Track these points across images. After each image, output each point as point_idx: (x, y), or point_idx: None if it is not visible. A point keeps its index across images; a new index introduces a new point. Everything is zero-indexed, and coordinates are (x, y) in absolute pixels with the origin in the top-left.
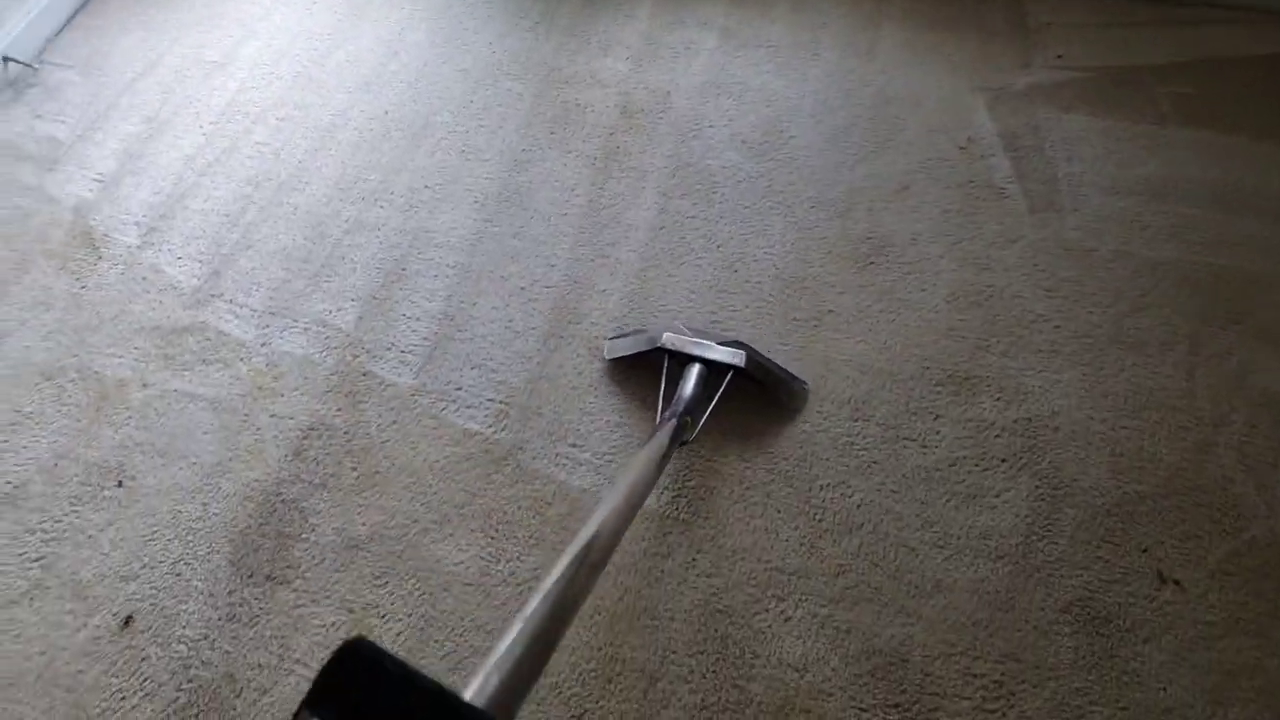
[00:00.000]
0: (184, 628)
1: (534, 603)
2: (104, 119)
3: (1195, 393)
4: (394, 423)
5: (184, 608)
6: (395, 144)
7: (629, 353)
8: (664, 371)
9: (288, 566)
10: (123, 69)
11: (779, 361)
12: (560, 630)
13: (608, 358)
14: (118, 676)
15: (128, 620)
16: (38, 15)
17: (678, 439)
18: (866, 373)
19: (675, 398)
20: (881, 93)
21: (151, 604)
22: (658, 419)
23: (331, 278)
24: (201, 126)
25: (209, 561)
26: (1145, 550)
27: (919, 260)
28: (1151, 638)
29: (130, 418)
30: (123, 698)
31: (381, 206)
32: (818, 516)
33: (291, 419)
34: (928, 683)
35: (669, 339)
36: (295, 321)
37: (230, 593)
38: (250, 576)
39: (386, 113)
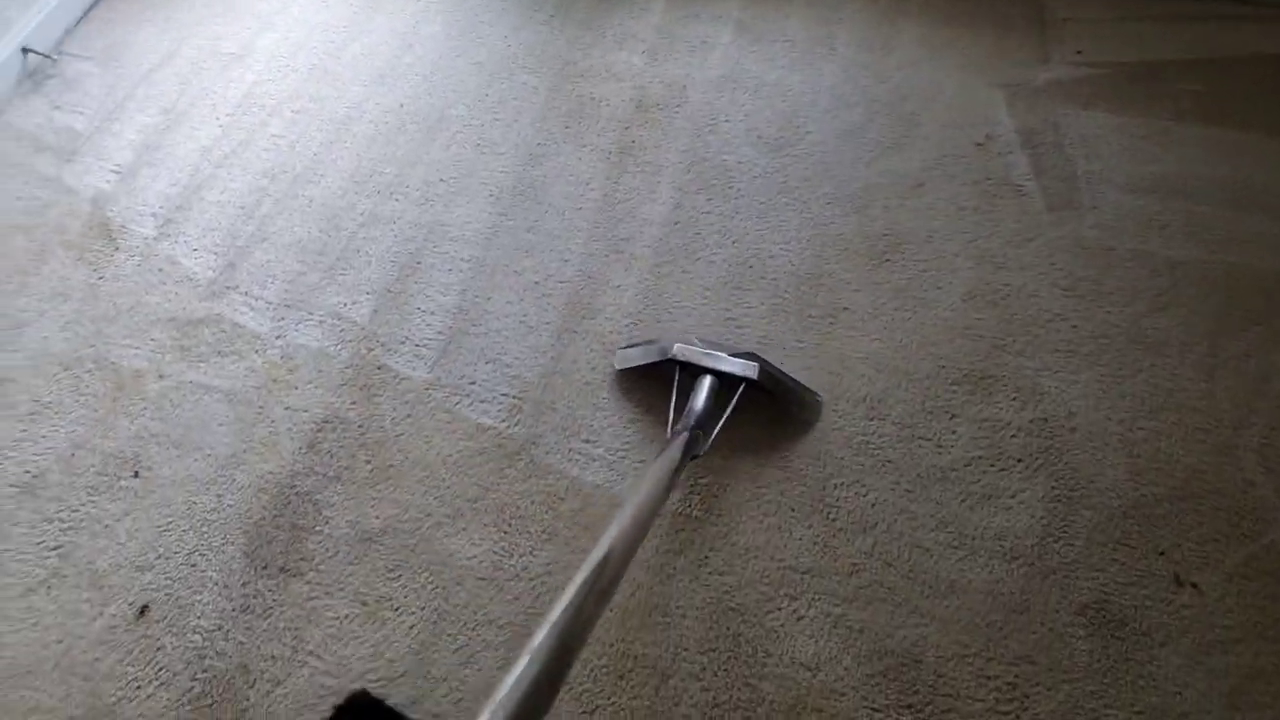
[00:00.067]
0: (198, 618)
1: (540, 635)
2: (121, 110)
3: (1215, 394)
4: (408, 416)
5: (198, 598)
6: (410, 137)
7: (639, 364)
8: (675, 383)
9: (301, 559)
10: (140, 60)
11: (795, 360)
12: (568, 665)
13: (618, 368)
14: (133, 665)
15: (143, 610)
16: (56, 7)
17: (689, 453)
18: (882, 371)
19: (686, 410)
20: (898, 89)
21: (167, 594)
22: (668, 432)
23: (346, 271)
24: (218, 118)
25: (223, 553)
26: (1162, 553)
27: (935, 258)
28: (1168, 641)
29: (146, 408)
30: (138, 686)
31: (396, 200)
32: (831, 515)
33: (306, 412)
34: (941, 684)
35: (680, 350)
36: (310, 314)
37: (244, 584)
38: (264, 568)
39: (402, 106)
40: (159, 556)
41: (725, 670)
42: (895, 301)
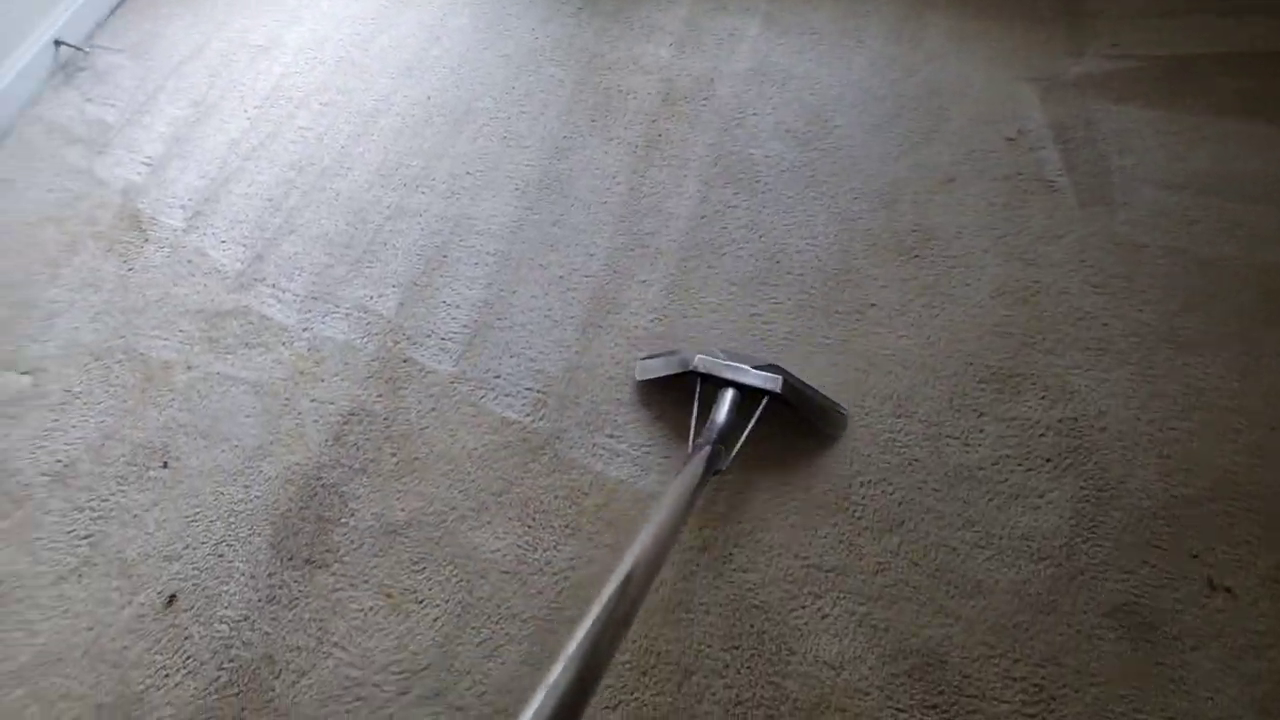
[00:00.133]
0: (225, 608)
1: (557, 670)
2: (152, 102)
3: (1248, 394)
4: (433, 410)
5: (225, 588)
6: (437, 130)
7: (660, 375)
8: (696, 396)
9: (327, 550)
10: (170, 52)
11: (821, 356)
12: (586, 700)
13: (638, 379)
14: (161, 654)
15: (171, 599)
16: (88, 0)
17: (711, 469)
18: (909, 368)
19: (708, 424)
20: (927, 82)
21: (194, 584)
22: (689, 447)
23: (373, 264)
24: (246, 111)
25: (250, 544)
26: (1195, 555)
27: (964, 254)
28: (1200, 645)
29: (175, 399)
30: (166, 675)
31: (423, 193)
32: (857, 513)
33: (332, 404)
34: (966, 684)
35: (701, 362)
36: (337, 307)
37: (270, 575)
38: (290, 559)
39: (429, 98)
40: (187, 546)
41: (748, 667)
42: (923, 298)
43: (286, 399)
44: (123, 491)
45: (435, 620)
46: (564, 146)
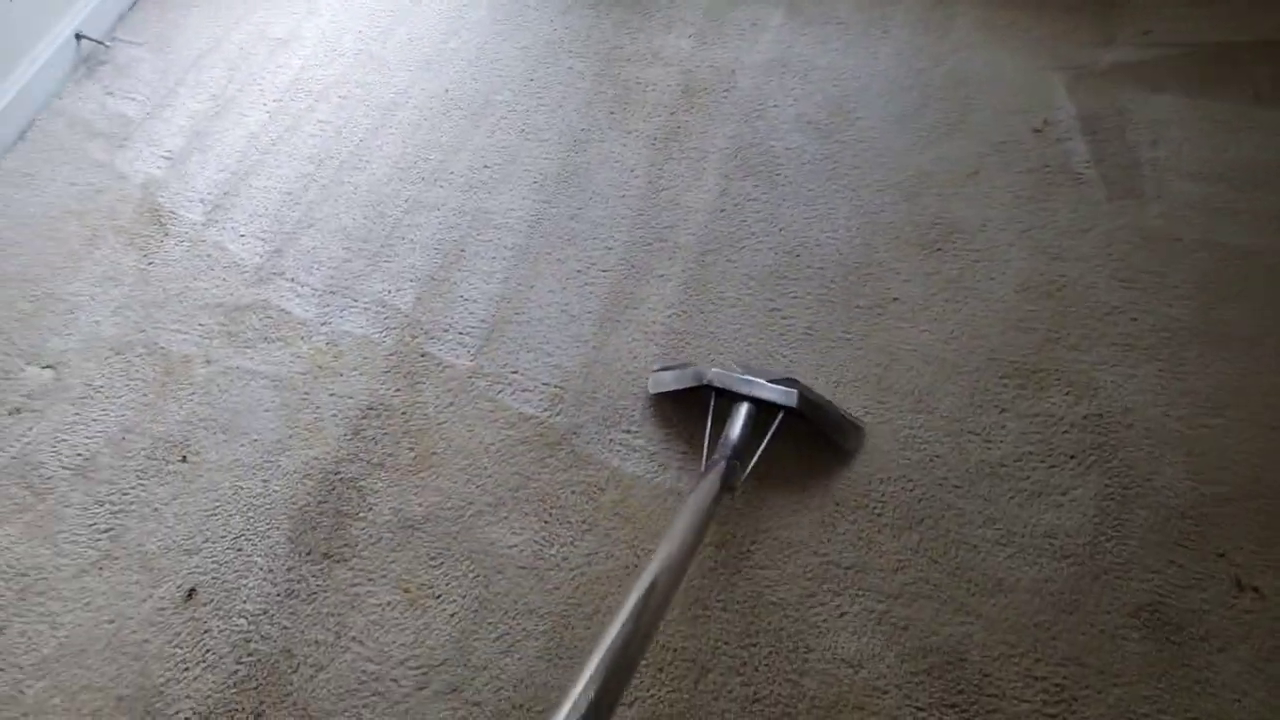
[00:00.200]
0: (244, 602)
1: (577, 691)
2: (172, 96)
3: None
4: (451, 404)
5: (244, 582)
6: (455, 123)
7: (673, 388)
8: (710, 410)
9: (345, 545)
10: (190, 46)
11: (841, 351)
12: (616, 698)
13: (651, 392)
14: (181, 647)
15: (191, 593)
16: None
17: (726, 485)
18: (931, 363)
19: (722, 439)
20: (954, 72)
21: (213, 578)
22: (703, 463)
23: (391, 258)
24: (265, 104)
25: (269, 538)
26: (1222, 555)
27: (988, 248)
28: (1226, 647)
29: (194, 393)
30: (185, 668)
31: (441, 186)
32: (876, 510)
33: (351, 398)
34: (986, 683)
35: (715, 376)
36: (355, 301)
37: (289, 569)
38: (308, 554)
39: (447, 91)
40: (206, 540)
41: (765, 665)
42: (946, 292)
43: (305, 393)
44: (143, 485)
45: (452, 615)
46: (582, 139)
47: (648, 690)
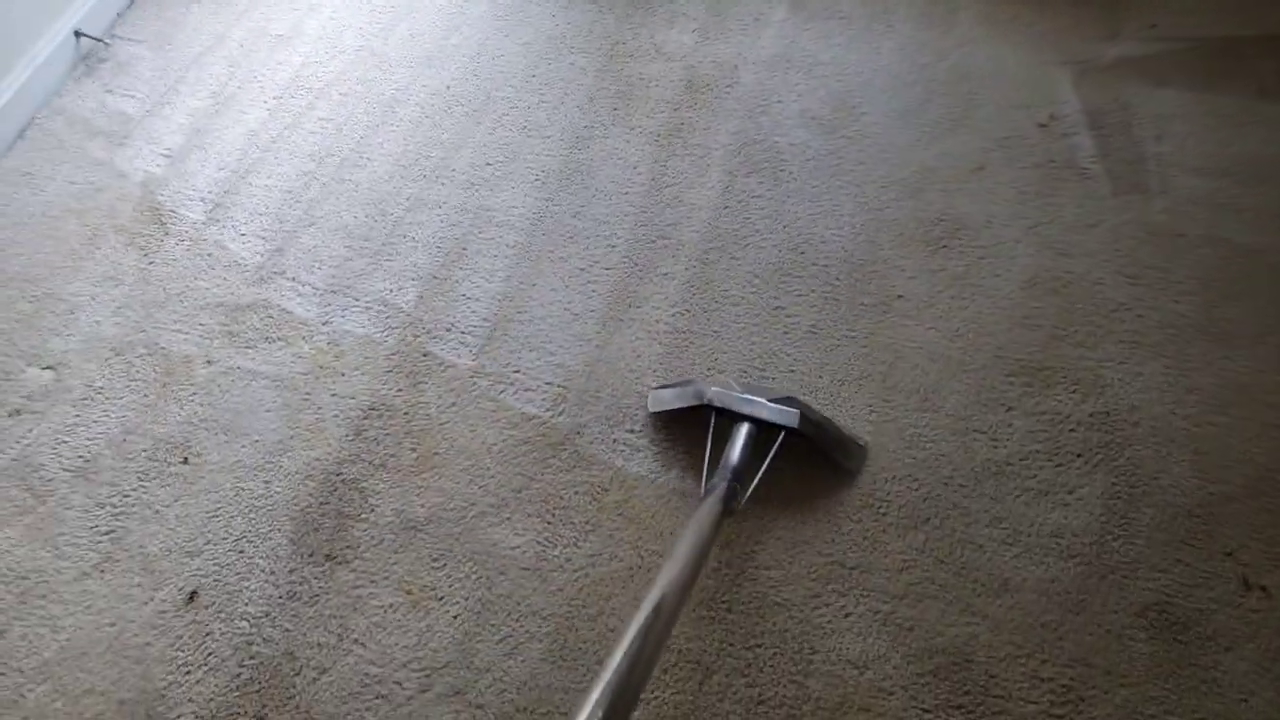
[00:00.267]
0: (246, 604)
1: (592, 697)
2: (172, 93)
3: None
4: (453, 404)
5: (246, 585)
6: (456, 120)
7: (673, 407)
8: (710, 430)
9: (347, 546)
10: (190, 43)
11: (845, 349)
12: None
13: (651, 410)
14: (183, 650)
15: (193, 595)
16: None
17: (727, 509)
18: (936, 361)
19: (723, 461)
20: (958, 67)
21: (215, 580)
22: (703, 486)
23: (392, 256)
24: (266, 101)
25: (270, 539)
26: (1229, 554)
27: (994, 244)
28: (1233, 646)
29: (195, 394)
30: (188, 671)
31: (442, 184)
32: (882, 510)
33: (352, 398)
34: (992, 684)
35: (715, 394)
36: (356, 300)
37: (291, 571)
38: (310, 555)
39: (448, 88)
40: (208, 542)
41: (770, 666)
42: (951, 289)
43: (307, 393)
44: (144, 487)
45: (455, 617)
46: (585, 136)
47: (651, 692)
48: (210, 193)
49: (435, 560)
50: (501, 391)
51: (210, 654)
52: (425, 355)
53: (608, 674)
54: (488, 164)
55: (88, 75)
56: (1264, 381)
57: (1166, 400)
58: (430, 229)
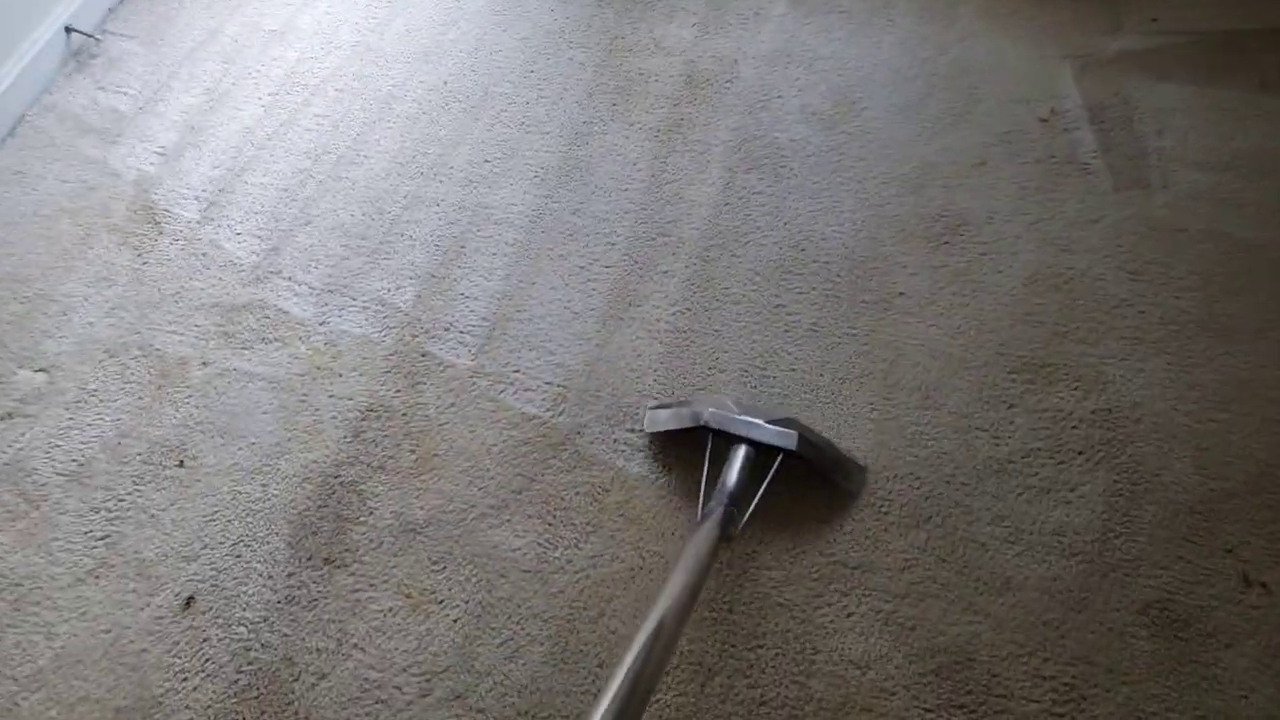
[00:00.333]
0: (244, 609)
1: None
2: (165, 90)
3: None
4: (452, 405)
5: (244, 589)
6: (454, 116)
7: (670, 428)
8: (708, 452)
9: (345, 550)
10: (183, 38)
11: (847, 347)
12: None
13: (647, 430)
14: (180, 657)
15: (189, 600)
16: None
17: (724, 534)
18: (937, 358)
19: (720, 484)
20: (959, 61)
21: (212, 585)
22: (699, 510)
23: (390, 255)
24: (260, 98)
25: (268, 543)
26: (1230, 551)
27: (995, 240)
28: (1234, 643)
29: (190, 396)
30: (185, 678)
31: (440, 181)
32: (883, 509)
33: (350, 400)
34: (995, 683)
35: (712, 416)
36: (354, 300)
37: (289, 575)
38: (309, 559)
39: (445, 83)
40: (204, 547)
41: (772, 667)
42: (953, 286)
43: (304, 395)
44: (139, 491)
45: (455, 621)
46: (584, 132)
47: (654, 696)
48: (205, 191)
49: (435, 563)
50: (501, 391)
51: (208, 660)
52: (424, 355)
53: (606, 700)
54: (486, 161)
55: (79, 71)
56: (1265, 377)
57: (1168, 396)
58: (428, 227)
